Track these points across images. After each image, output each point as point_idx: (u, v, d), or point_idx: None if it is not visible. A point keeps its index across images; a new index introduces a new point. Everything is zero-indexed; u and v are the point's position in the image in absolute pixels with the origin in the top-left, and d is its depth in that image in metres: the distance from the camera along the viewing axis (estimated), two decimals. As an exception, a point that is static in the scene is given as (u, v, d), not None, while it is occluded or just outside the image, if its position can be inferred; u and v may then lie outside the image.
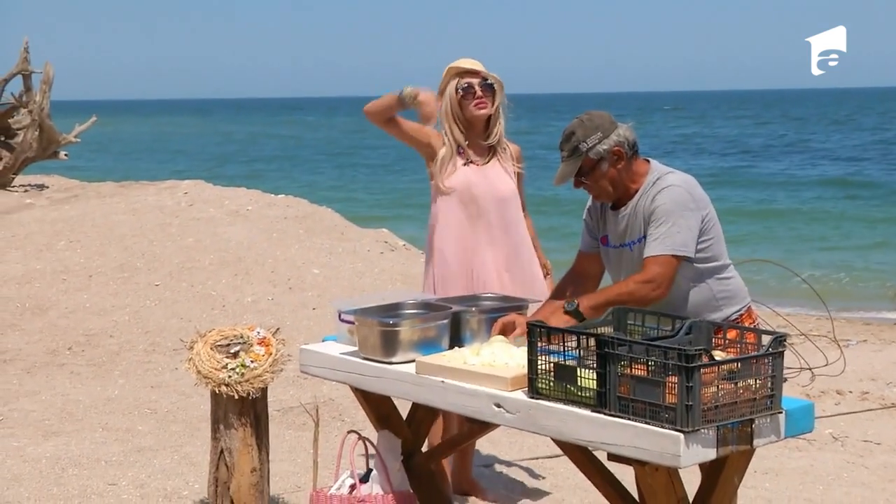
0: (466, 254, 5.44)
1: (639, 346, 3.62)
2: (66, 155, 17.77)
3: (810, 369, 4.57)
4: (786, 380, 6.34)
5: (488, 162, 5.47)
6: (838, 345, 4.94)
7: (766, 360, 3.64)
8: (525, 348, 3.93)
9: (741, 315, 4.46)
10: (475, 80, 5.40)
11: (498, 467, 6.47)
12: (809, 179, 34.53)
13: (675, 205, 4.29)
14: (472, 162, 5.44)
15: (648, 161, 4.52)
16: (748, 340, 3.88)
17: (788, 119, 79.80)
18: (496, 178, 5.45)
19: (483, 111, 5.41)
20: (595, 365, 3.67)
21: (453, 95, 5.41)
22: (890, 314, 13.24)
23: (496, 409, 3.96)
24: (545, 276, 5.67)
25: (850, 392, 8.50)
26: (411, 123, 5.50)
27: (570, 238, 13.83)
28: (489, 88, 5.42)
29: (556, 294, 4.68)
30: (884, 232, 22.54)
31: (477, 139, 5.47)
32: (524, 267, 5.51)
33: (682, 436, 3.43)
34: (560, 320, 4.22)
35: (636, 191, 4.43)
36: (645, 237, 4.35)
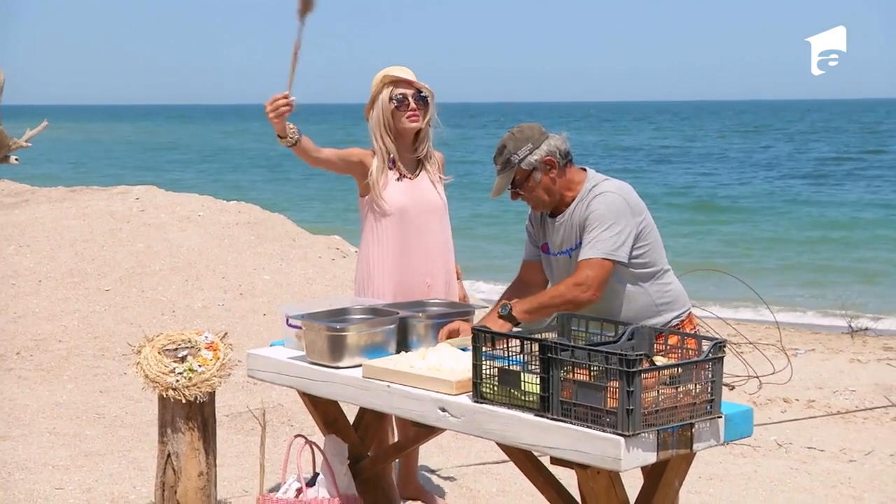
0: (401, 269, 5.39)
1: (581, 350, 3.67)
2: (16, 159, 17.59)
3: (757, 377, 4.64)
4: (733, 387, 6.40)
5: (418, 174, 5.45)
6: (786, 353, 5.01)
7: (706, 366, 3.70)
8: (470, 353, 3.97)
9: (681, 321, 4.53)
10: (409, 92, 5.32)
11: (445, 472, 6.50)
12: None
13: (609, 210, 4.36)
14: (405, 177, 5.42)
15: (585, 170, 4.59)
16: (689, 346, 3.94)
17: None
18: (428, 192, 5.44)
19: (415, 124, 5.35)
20: (538, 369, 3.72)
21: (386, 105, 5.32)
22: (839, 324, 13.37)
23: (441, 412, 4.00)
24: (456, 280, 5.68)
25: (797, 400, 8.59)
26: (337, 151, 5.37)
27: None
28: (423, 101, 5.35)
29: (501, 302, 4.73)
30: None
31: (405, 152, 5.43)
32: (445, 276, 5.51)
33: (622, 439, 3.48)
34: (495, 325, 4.28)
35: (573, 199, 4.50)
36: (581, 244, 4.42)
